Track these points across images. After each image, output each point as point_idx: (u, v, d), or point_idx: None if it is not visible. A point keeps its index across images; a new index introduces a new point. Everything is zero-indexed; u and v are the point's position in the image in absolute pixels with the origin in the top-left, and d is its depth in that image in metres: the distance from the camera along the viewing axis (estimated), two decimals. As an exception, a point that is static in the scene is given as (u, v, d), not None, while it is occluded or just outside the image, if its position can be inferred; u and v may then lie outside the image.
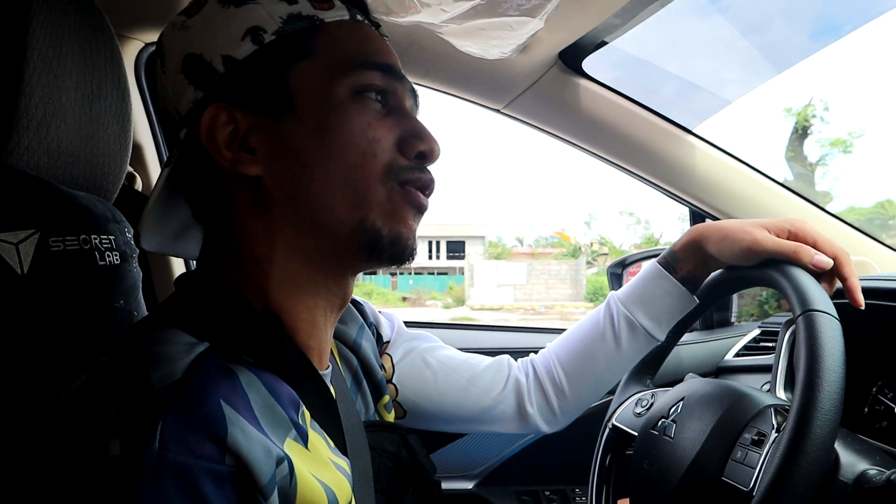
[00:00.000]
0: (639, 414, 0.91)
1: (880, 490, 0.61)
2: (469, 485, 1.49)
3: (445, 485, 1.48)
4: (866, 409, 0.95)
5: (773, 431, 0.70)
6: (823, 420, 0.61)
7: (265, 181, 0.57)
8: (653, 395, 0.92)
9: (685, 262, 0.85)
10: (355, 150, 0.57)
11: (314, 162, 0.57)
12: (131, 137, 0.76)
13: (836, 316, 0.67)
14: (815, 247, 0.76)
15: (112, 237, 0.70)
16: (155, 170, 1.28)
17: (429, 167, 0.62)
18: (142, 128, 1.18)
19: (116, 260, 0.71)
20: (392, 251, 0.59)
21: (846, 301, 0.91)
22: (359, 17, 0.62)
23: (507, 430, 0.90)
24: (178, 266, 1.24)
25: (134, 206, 0.72)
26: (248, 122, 0.57)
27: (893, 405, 0.90)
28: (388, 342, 0.87)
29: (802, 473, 0.60)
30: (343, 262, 0.61)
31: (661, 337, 0.87)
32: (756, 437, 0.71)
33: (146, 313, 0.74)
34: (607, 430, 0.98)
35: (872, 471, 0.64)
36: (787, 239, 0.78)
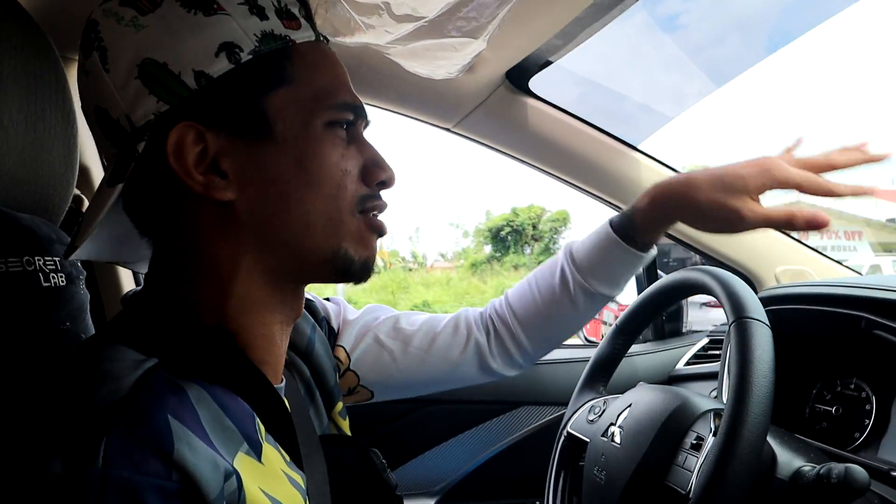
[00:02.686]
0: (591, 421, 0.93)
1: (812, 485, 0.64)
2: (431, 502, 1.49)
3: (408, 502, 1.47)
4: (808, 411, 0.99)
5: (711, 435, 0.72)
6: (753, 424, 0.63)
7: (237, 206, 0.56)
8: (605, 402, 0.94)
9: (646, 232, 0.79)
10: (331, 182, 0.58)
11: (292, 192, 0.57)
12: (77, 160, 0.75)
13: (767, 323, 0.70)
14: (798, 188, 0.70)
15: (57, 259, 0.69)
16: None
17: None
18: (89, 150, 1.16)
19: (62, 282, 0.70)
20: (361, 274, 0.62)
21: (786, 307, 0.95)
22: (321, 37, 0.62)
23: (475, 383, 0.90)
24: (127, 285, 1.22)
25: (82, 230, 0.70)
26: (219, 143, 0.55)
27: (830, 408, 0.94)
28: (337, 333, 0.86)
29: (734, 474, 0.62)
30: (306, 279, 0.63)
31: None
32: (695, 442, 0.73)
33: None
34: (562, 438, 1.00)
35: (806, 467, 0.67)
36: (763, 189, 0.71)
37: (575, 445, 0.97)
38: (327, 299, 0.89)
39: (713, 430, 0.72)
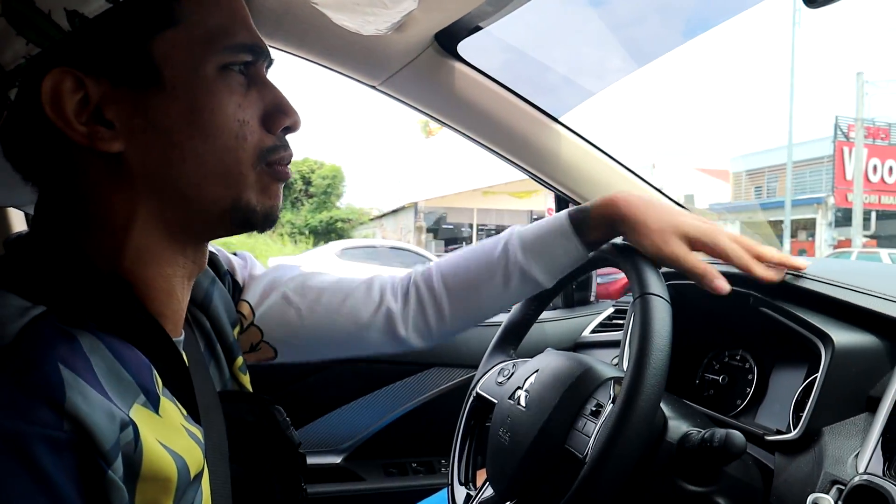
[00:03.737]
0: (500, 383, 0.97)
1: (696, 447, 0.69)
2: (337, 459, 1.51)
3: (313, 459, 1.48)
4: (698, 380, 1.06)
5: (609, 403, 0.76)
6: (648, 395, 0.67)
7: (127, 156, 0.53)
8: (514, 365, 0.98)
9: (596, 231, 0.83)
10: (228, 132, 0.56)
11: (185, 142, 0.54)
12: None
13: (668, 300, 0.74)
14: (723, 256, 0.81)
15: None
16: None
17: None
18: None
19: None
20: (264, 222, 0.60)
21: (685, 282, 1.00)
22: None
23: (382, 351, 0.88)
24: (17, 223, 1.14)
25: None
26: (101, 91, 0.52)
27: (717, 377, 1.01)
28: (242, 287, 0.83)
29: (627, 441, 0.66)
30: (208, 232, 0.60)
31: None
32: (594, 409, 0.77)
33: None
34: (471, 399, 1.03)
35: (692, 431, 0.72)
36: (699, 247, 0.81)
37: (483, 406, 1.01)
38: (234, 254, 0.86)
39: (612, 397, 0.76)
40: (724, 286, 0.80)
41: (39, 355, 0.45)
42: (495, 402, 0.94)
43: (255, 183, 0.58)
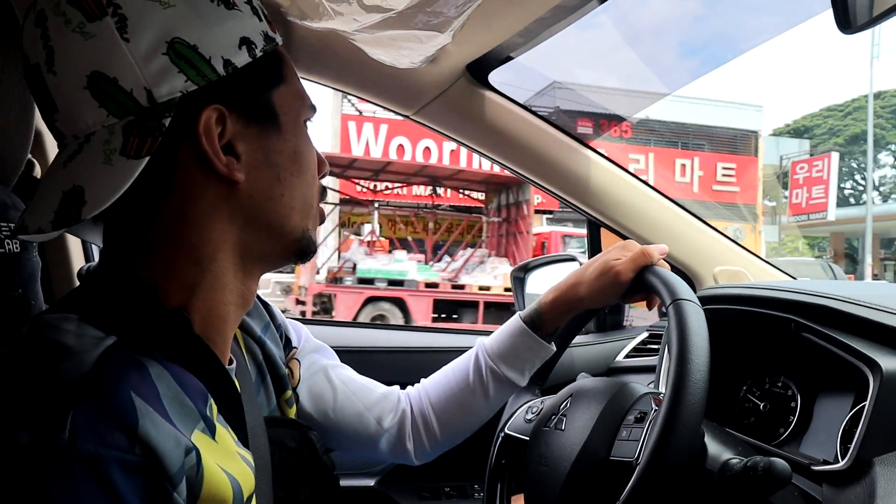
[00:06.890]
0: (529, 420, 0.95)
1: (738, 476, 0.68)
2: (371, 482, 1.51)
3: (347, 482, 1.48)
4: (737, 407, 1.04)
5: (653, 410, 0.76)
6: (695, 385, 0.67)
7: (240, 186, 0.60)
8: (542, 402, 0.96)
9: (551, 322, 0.91)
10: (311, 172, 0.67)
11: (287, 178, 0.63)
12: (33, 124, 0.74)
13: (699, 303, 0.74)
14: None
15: (12, 225, 0.68)
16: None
17: None
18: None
19: (16, 248, 0.70)
20: (311, 254, 0.68)
21: (723, 307, 0.99)
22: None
23: (383, 459, 0.96)
24: (76, 255, 1.21)
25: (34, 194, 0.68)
26: (237, 128, 0.59)
27: (759, 403, 0.99)
28: (295, 348, 0.88)
29: (680, 435, 0.66)
30: (272, 261, 0.67)
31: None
32: (638, 416, 0.77)
33: (43, 303, 0.74)
34: (500, 439, 1.00)
35: (734, 459, 0.71)
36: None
37: (513, 445, 0.98)
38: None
39: (655, 407, 0.76)
40: (661, 248, 0.88)
41: (115, 384, 0.49)
42: (526, 439, 0.92)
43: (316, 217, 0.69)
